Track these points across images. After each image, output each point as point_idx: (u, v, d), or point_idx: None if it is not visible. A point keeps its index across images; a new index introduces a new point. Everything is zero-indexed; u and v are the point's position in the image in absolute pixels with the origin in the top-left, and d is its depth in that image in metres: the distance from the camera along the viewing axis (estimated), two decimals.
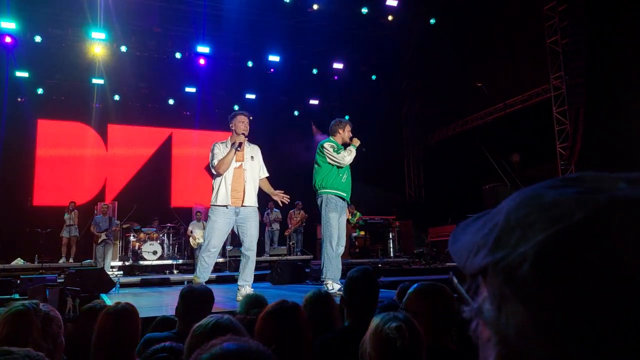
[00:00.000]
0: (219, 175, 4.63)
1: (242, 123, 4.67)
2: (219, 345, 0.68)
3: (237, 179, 4.63)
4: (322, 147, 4.95)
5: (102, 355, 1.68)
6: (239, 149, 4.61)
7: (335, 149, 4.89)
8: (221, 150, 4.64)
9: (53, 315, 1.57)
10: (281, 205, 5.09)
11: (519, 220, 0.34)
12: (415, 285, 1.91)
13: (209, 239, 4.59)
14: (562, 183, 0.35)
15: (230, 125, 4.74)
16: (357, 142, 5.02)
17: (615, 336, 0.28)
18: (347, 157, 4.87)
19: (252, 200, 4.67)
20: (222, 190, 4.58)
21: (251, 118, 5.01)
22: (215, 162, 4.60)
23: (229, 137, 4.78)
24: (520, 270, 0.32)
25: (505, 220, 0.35)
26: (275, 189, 5.01)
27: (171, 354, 1.44)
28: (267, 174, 4.93)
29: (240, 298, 4.50)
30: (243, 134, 4.64)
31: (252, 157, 4.76)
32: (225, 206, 4.57)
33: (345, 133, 5.05)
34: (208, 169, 14.92)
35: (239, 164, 4.67)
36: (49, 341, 1.44)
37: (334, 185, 4.89)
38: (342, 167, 4.90)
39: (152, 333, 2.22)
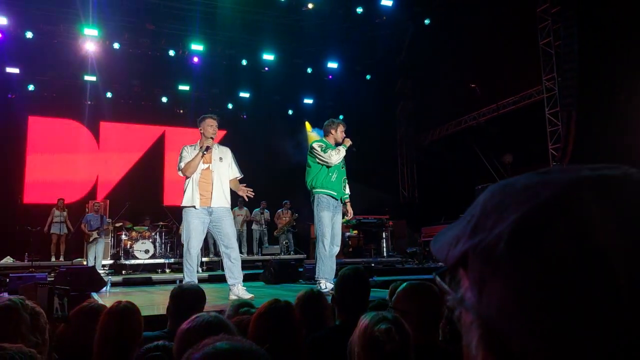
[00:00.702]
0: (187, 177, 4.68)
1: (210, 127, 4.73)
2: (211, 345, 0.66)
3: (204, 180, 4.66)
4: (312, 147, 5.00)
5: (105, 354, 1.67)
6: (205, 152, 4.64)
7: (324, 148, 4.92)
8: (189, 154, 4.68)
9: (39, 310, 1.57)
10: (246, 199, 5.14)
11: (494, 206, 0.37)
12: (404, 284, 1.92)
13: (187, 241, 4.62)
14: (533, 173, 0.38)
15: (200, 129, 4.79)
16: (348, 142, 5.03)
17: (587, 302, 0.30)
18: (334, 156, 4.88)
19: (221, 201, 4.68)
20: (189, 192, 4.63)
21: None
22: (182, 164, 4.64)
23: (198, 141, 4.82)
24: (497, 249, 0.34)
25: (482, 208, 0.38)
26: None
27: (165, 353, 1.43)
28: (239, 175, 4.94)
29: (232, 297, 4.49)
30: (212, 137, 4.71)
31: (220, 158, 4.78)
32: (194, 206, 4.59)
33: (337, 133, 5.07)
34: None
35: (206, 165, 4.70)
36: (37, 335, 1.44)
37: (324, 185, 4.92)
38: (331, 167, 4.91)
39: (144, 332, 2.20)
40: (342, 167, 5.10)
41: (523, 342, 0.32)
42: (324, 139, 5.12)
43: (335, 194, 4.96)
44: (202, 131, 4.75)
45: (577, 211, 0.32)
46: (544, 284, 0.31)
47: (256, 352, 0.68)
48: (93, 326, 1.75)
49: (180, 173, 4.70)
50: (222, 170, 4.75)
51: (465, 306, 0.37)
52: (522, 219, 0.34)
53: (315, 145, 4.97)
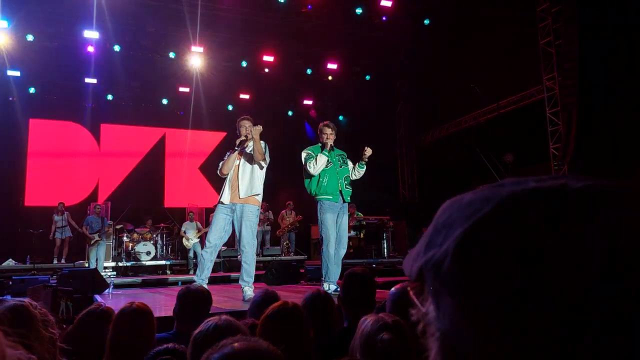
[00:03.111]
0: (224, 176, 4.91)
1: (243, 127, 4.96)
2: (229, 345, 0.67)
3: (235, 175, 4.86)
4: (301, 155, 5.00)
5: (117, 355, 1.68)
6: (237, 148, 4.89)
7: (308, 158, 4.93)
8: (227, 155, 4.99)
9: (45, 310, 1.61)
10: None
11: (444, 222, 0.39)
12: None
13: (208, 235, 4.83)
14: (484, 188, 0.39)
15: (237, 132, 5.04)
16: (326, 146, 4.97)
17: (527, 313, 0.31)
18: (312, 168, 4.88)
19: (246, 191, 4.78)
20: (222, 188, 4.86)
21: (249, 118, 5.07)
22: (220, 165, 4.93)
23: None
24: (444, 265, 0.36)
25: (434, 224, 0.40)
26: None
27: (174, 355, 1.44)
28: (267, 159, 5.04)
29: (246, 299, 4.51)
30: (246, 136, 4.90)
31: (250, 151, 4.94)
32: (223, 203, 4.80)
33: (322, 136, 5.04)
34: (202, 169, 14.71)
35: (238, 162, 4.90)
36: (48, 330, 1.48)
37: (319, 191, 4.93)
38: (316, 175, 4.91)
39: None
40: (340, 167, 5.03)
41: (477, 355, 0.33)
42: (318, 144, 5.10)
43: (331, 197, 4.91)
44: (238, 133, 5.01)
45: (513, 225, 0.34)
46: (488, 298, 0.33)
47: (273, 353, 0.69)
48: (103, 329, 1.77)
49: (219, 173, 4.95)
50: (248, 162, 4.88)
51: (429, 320, 0.39)
52: (464, 234, 0.35)
53: (303, 153, 5.01)
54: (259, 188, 4.87)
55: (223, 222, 4.75)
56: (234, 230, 4.88)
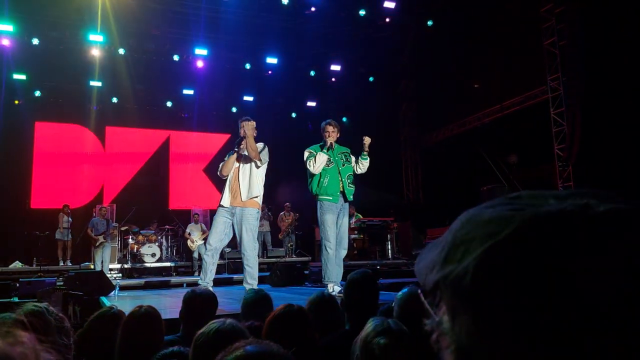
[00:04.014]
0: (224, 178, 4.90)
1: (241, 128, 4.92)
2: (242, 348, 0.69)
3: (235, 178, 4.88)
4: (304, 155, 5.00)
5: (126, 358, 1.70)
6: (235, 149, 4.89)
7: (308, 156, 4.92)
8: (227, 157, 4.98)
9: (62, 315, 1.62)
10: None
11: (462, 237, 0.38)
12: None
13: (209, 238, 4.87)
14: (502, 202, 0.39)
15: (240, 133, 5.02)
16: (327, 143, 4.95)
17: (549, 334, 0.32)
18: (312, 167, 4.87)
19: (247, 194, 4.80)
20: (223, 191, 4.87)
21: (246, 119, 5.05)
22: (220, 166, 4.92)
23: None
24: (463, 282, 0.36)
25: (452, 238, 0.39)
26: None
27: (179, 358, 1.45)
28: (263, 159, 4.99)
29: None
30: (244, 137, 4.86)
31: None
32: (223, 205, 4.82)
33: (324, 133, 5.03)
34: (206, 171, 14.70)
35: (237, 164, 4.90)
36: (63, 338, 1.49)
37: (320, 191, 4.91)
38: (319, 172, 4.91)
39: None
40: (343, 165, 4.99)
41: None
42: (320, 144, 5.09)
43: (331, 198, 4.88)
44: (241, 134, 4.98)
45: (532, 249, 0.34)
46: (509, 318, 0.33)
47: (284, 355, 0.70)
48: (114, 332, 1.79)
49: (219, 174, 4.96)
50: (247, 163, 4.88)
51: (442, 330, 0.39)
52: (484, 255, 0.35)
53: (305, 152, 4.99)
54: (258, 190, 4.87)
55: (223, 225, 4.79)
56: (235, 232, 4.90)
